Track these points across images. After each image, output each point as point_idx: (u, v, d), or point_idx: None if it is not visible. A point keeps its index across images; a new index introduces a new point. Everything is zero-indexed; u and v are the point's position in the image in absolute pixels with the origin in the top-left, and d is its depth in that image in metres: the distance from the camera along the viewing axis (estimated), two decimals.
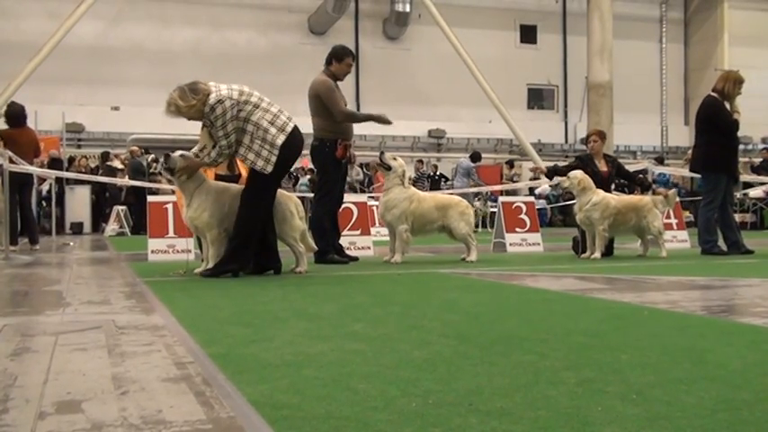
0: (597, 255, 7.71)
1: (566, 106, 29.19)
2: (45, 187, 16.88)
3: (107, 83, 23.27)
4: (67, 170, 17.03)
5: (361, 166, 20.41)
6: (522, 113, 26.27)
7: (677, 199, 9.11)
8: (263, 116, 5.59)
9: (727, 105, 8.22)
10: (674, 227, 10.01)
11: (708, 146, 8.28)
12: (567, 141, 28.75)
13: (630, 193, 10.97)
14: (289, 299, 4.36)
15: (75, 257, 8.74)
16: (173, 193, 8.81)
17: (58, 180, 16.13)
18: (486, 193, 18.51)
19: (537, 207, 11.20)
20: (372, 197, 12.28)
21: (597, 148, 8.42)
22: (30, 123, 11.00)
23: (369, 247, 8.63)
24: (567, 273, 6.06)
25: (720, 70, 16.28)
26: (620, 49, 23.92)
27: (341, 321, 3.39)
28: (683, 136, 29.48)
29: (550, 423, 1.74)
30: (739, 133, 8.42)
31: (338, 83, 7.43)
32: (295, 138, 5.73)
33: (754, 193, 17.94)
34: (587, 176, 7.91)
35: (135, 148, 18.78)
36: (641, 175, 9.62)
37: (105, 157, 19.38)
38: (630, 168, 9.74)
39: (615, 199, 8.00)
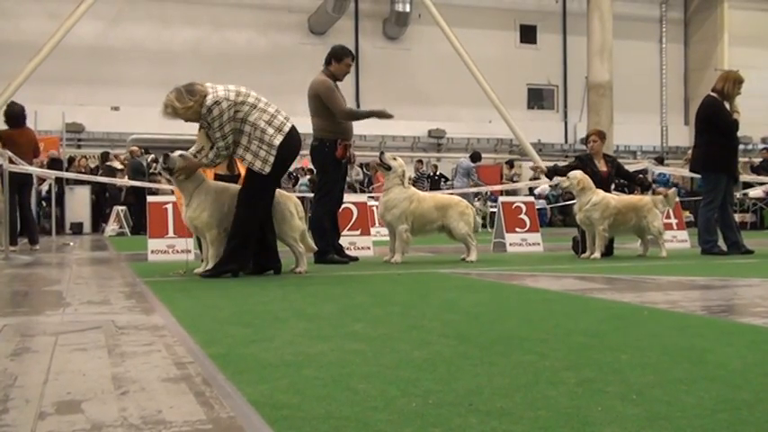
0: (597, 255, 7.71)
1: (566, 106, 29.20)
2: (45, 187, 16.88)
3: (107, 83, 23.27)
4: (67, 170, 17.02)
5: (361, 166, 20.41)
6: (521, 113, 26.27)
7: (677, 199, 9.11)
8: (260, 117, 5.58)
9: (727, 105, 8.22)
10: (674, 227, 10.01)
11: (708, 146, 8.28)
12: (566, 141, 28.75)
13: (630, 193, 10.99)
14: (289, 299, 4.36)
15: (74, 258, 8.74)
16: (172, 193, 8.80)
17: (58, 180, 16.11)
18: (486, 193, 18.51)
19: (537, 207, 11.20)
20: (372, 197, 12.28)
21: (597, 148, 8.42)
22: (30, 123, 11.01)
23: (369, 248, 8.63)
24: (566, 273, 6.06)
25: (720, 70, 16.26)
26: (620, 49, 23.92)
27: (341, 321, 3.39)
28: (682, 136, 29.49)
29: (550, 423, 1.74)
30: (739, 133, 8.42)
31: (338, 83, 7.43)
32: (293, 138, 5.72)
33: (754, 193, 17.94)
34: (587, 176, 7.91)
35: (135, 148, 18.76)
36: (641, 175, 9.63)
37: (105, 157, 19.38)
38: (630, 168, 9.74)
39: (615, 199, 8.00)
